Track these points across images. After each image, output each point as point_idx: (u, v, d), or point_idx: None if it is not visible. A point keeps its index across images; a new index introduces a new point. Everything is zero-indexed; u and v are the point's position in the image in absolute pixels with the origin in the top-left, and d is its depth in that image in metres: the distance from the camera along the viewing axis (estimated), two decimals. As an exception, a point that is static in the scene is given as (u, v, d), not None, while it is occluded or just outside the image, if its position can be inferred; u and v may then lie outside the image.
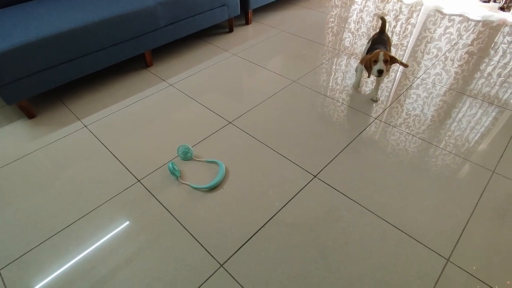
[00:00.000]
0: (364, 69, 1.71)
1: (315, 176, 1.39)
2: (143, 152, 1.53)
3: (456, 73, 2.08)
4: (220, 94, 1.92)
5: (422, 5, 3.09)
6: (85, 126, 1.69)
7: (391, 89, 1.94)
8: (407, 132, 1.62)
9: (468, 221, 1.22)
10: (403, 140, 1.58)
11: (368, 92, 1.92)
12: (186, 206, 1.29)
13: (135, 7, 1.87)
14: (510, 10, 2.93)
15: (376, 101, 1.83)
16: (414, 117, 1.72)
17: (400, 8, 3.04)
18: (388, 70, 1.67)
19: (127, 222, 1.23)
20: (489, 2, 3.08)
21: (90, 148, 1.56)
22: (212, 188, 1.35)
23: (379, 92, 1.88)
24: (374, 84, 1.83)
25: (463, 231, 1.19)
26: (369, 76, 1.77)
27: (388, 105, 1.81)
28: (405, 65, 1.59)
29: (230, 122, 1.69)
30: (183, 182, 1.37)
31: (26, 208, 1.29)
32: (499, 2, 3.01)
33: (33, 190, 1.36)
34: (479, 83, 1.99)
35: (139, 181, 1.39)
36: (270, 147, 1.54)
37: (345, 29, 2.66)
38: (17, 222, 1.24)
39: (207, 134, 1.62)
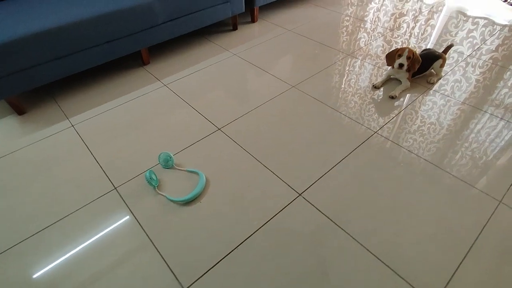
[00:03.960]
0: (389, 63, 1.86)
1: (299, 195, 1.29)
2: (125, 158, 1.47)
3: (477, 81, 1.90)
4: (213, 97, 1.83)
5: (443, 5, 2.86)
6: (72, 125, 1.65)
7: (403, 100, 1.79)
8: (409, 151, 1.48)
9: (465, 256, 1.09)
10: (405, 157, 1.44)
11: (380, 98, 1.78)
12: (158, 219, 1.22)
13: (132, 3, 1.80)
14: (543, 13, 2.66)
15: (393, 98, 1.81)
16: (419, 132, 1.58)
17: (420, 8, 2.83)
18: (409, 78, 1.85)
19: (97, 234, 1.18)
20: (520, 4, 2.81)
21: (74, 149, 1.52)
22: (189, 202, 1.27)
23: (399, 91, 1.83)
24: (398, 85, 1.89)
25: (457, 268, 1.06)
26: (389, 65, 1.88)
27: (392, 118, 1.67)
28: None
29: (219, 129, 1.61)
30: (159, 192, 1.31)
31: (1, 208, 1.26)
32: (532, 5, 2.74)
33: (10, 190, 1.33)
34: (502, 93, 1.80)
35: (115, 188, 1.33)
36: (257, 158, 1.45)
37: (360, 29, 2.50)
38: (-12, 225, 1.21)
39: (193, 141, 1.54)
